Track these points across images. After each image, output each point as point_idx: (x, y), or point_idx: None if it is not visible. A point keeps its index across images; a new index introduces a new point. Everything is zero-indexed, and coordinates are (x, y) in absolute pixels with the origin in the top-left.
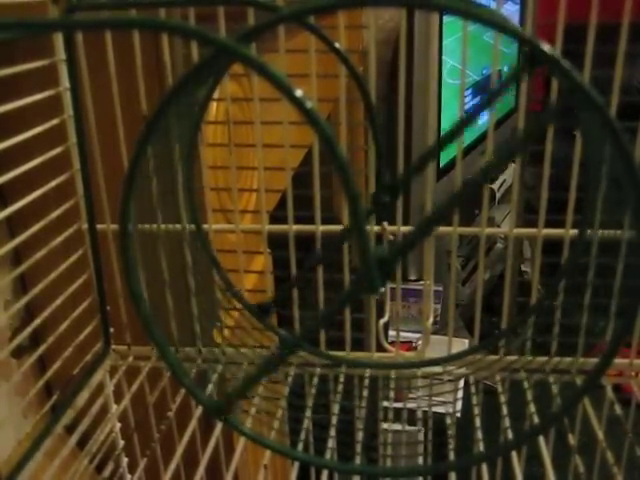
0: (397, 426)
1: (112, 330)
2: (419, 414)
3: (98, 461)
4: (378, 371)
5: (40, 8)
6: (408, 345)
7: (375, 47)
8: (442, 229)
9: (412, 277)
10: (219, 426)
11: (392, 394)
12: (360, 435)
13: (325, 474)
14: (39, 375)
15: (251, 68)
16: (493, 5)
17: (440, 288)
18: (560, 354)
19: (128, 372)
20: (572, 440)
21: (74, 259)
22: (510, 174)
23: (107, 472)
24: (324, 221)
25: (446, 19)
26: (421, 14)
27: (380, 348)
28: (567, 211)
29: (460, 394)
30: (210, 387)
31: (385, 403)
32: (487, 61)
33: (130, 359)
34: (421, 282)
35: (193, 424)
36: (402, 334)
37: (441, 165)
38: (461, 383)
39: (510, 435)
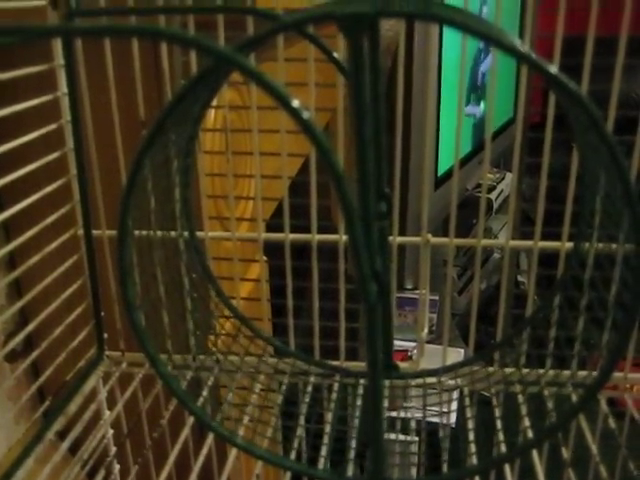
0: (391, 436)
1: (106, 336)
2: (413, 424)
3: (90, 468)
4: None
5: (39, 13)
6: (403, 354)
7: None
8: (439, 240)
9: (408, 286)
10: (212, 434)
11: (386, 403)
12: (353, 444)
13: None
14: (32, 380)
15: (248, 77)
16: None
17: (436, 297)
18: (556, 367)
19: (121, 378)
20: (566, 454)
21: (69, 264)
22: (507, 184)
23: (99, 479)
24: (322, 230)
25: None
26: (421, 24)
27: None
28: (563, 223)
29: (454, 405)
30: (203, 396)
31: None
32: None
33: (124, 365)
34: (417, 291)
35: (186, 431)
36: (398, 343)
37: (438, 175)
38: (456, 394)
39: (504, 448)
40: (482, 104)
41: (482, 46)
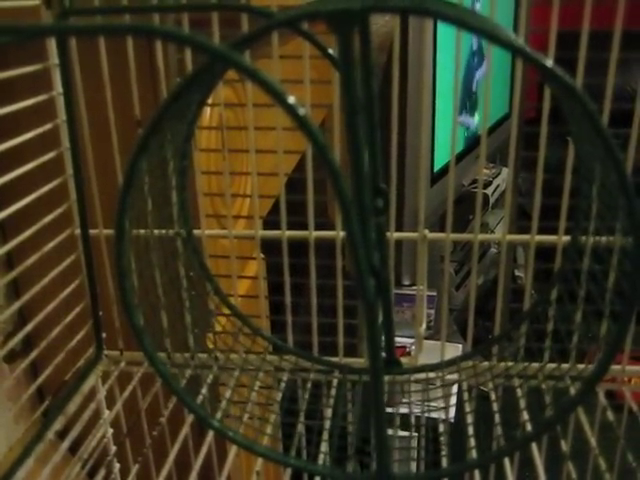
0: (390, 431)
1: (104, 335)
2: (412, 420)
3: (90, 467)
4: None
5: (33, 13)
6: (402, 350)
7: None
8: (436, 235)
9: (406, 282)
10: (212, 432)
11: (385, 399)
12: (353, 440)
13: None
14: (31, 380)
15: (244, 75)
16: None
17: (434, 293)
18: (554, 360)
19: (120, 377)
20: (565, 446)
21: (67, 264)
22: (503, 179)
23: (99, 478)
24: (319, 226)
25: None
26: (415, 19)
27: None
28: (560, 217)
29: (453, 400)
30: (202, 394)
31: None
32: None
33: (122, 364)
34: (415, 287)
35: (185, 430)
36: (396, 339)
37: (435, 170)
38: (455, 389)
39: (503, 442)
40: (476, 116)
41: (475, 47)
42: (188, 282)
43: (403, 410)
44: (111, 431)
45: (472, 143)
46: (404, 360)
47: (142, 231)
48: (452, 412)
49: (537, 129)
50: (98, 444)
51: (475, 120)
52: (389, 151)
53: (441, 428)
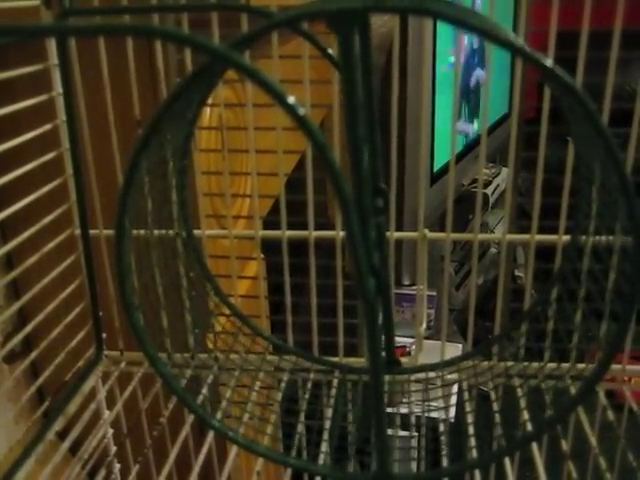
0: (390, 431)
1: (105, 336)
2: (412, 419)
3: (90, 467)
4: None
5: (33, 13)
6: (402, 350)
7: None
8: (436, 234)
9: (406, 282)
10: (212, 432)
11: (385, 399)
12: (354, 440)
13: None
14: (31, 381)
15: (244, 75)
16: None
17: (434, 293)
18: (554, 360)
19: (120, 378)
20: (565, 446)
21: (67, 264)
22: (503, 179)
23: (99, 478)
24: (319, 226)
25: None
26: (414, 19)
27: None
28: (560, 216)
29: (454, 400)
30: (202, 394)
31: None
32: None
33: (122, 365)
34: (415, 287)
35: (186, 430)
36: (396, 339)
37: (434, 170)
38: (455, 389)
39: (503, 441)
40: (475, 123)
41: (477, 46)
42: (188, 282)
43: (403, 410)
44: (111, 431)
45: (472, 143)
46: (404, 360)
47: (142, 231)
48: (452, 412)
49: (537, 129)
50: (98, 444)
51: (474, 127)
52: (389, 151)
53: (441, 428)
